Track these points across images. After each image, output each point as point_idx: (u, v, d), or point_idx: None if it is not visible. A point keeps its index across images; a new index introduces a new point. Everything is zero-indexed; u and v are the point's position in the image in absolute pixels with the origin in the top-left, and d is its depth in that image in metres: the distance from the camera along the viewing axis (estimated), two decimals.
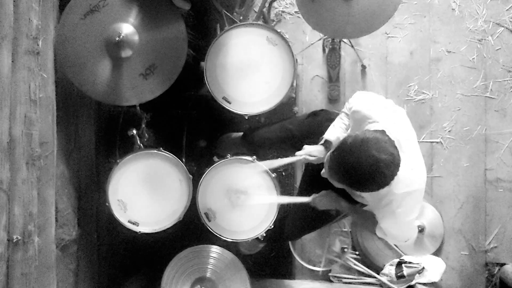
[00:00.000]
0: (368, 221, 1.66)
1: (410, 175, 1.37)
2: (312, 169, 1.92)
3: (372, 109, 1.44)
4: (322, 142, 1.69)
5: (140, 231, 1.94)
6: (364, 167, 1.20)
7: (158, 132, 2.20)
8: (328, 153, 1.31)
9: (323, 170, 1.43)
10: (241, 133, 2.27)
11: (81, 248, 2.05)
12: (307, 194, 1.81)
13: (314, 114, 1.91)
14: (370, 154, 1.20)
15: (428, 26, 2.59)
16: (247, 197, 1.92)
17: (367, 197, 1.58)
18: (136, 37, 1.79)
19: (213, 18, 2.28)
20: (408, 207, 1.43)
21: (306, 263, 2.55)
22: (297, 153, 1.71)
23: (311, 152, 1.67)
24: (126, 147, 2.08)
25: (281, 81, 1.93)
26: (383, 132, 1.29)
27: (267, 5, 2.55)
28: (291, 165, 1.74)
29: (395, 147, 1.25)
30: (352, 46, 2.45)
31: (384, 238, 1.61)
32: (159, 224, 1.95)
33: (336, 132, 1.67)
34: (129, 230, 1.95)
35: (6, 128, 1.53)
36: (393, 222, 1.48)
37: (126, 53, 1.79)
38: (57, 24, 1.84)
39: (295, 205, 2.06)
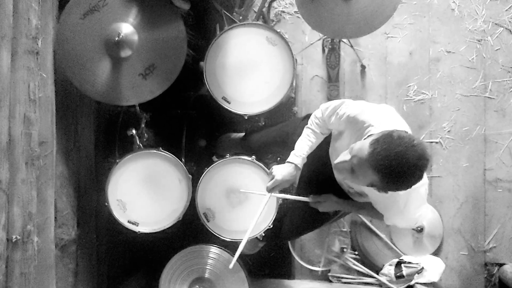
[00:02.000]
0: (376, 212, 1.65)
1: None
2: (311, 168, 1.92)
3: (365, 113, 1.45)
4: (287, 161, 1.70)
5: (139, 231, 1.94)
6: (410, 160, 1.20)
7: (157, 132, 2.20)
8: (367, 142, 1.28)
9: (338, 160, 1.41)
10: (240, 134, 2.26)
11: (80, 248, 2.05)
12: (305, 192, 1.81)
13: (308, 117, 1.91)
14: (416, 149, 1.21)
15: (427, 26, 2.59)
16: (246, 195, 1.92)
17: (374, 198, 1.58)
18: (135, 37, 1.79)
19: (212, 18, 2.29)
20: (414, 204, 1.45)
21: (306, 263, 2.55)
22: (268, 185, 1.69)
23: (281, 180, 1.66)
24: (126, 147, 2.08)
25: (280, 81, 1.94)
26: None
27: (266, 5, 2.55)
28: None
29: None
30: (352, 46, 2.46)
31: (393, 225, 1.63)
32: (159, 224, 1.95)
33: (301, 152, 1.68)
34: (128, 230, 1.95)
35: (6, 128, 1.53)
36: (401, 219, 1.53)
37: (126, 53, 1.79)
38: (57, 24, 1.84)
39: (293, 205, 2.06)
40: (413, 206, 1.46)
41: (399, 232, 2.51)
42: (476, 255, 2.52)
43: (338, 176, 1.70)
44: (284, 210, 2.06)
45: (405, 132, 1.27)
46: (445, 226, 2.53)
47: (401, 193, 1.36)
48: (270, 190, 1.69)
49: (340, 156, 1.40)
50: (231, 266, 1.66)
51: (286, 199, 1.81)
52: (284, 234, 2.08)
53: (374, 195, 1.53)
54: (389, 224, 1.65)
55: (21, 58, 1.61)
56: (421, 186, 1.42)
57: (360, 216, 2.53)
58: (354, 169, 1.33)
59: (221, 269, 2.01)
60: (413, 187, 1.37)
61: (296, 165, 1.67)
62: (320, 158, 1.73)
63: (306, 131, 1.70)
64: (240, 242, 1.70)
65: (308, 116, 1.91)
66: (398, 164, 1.20)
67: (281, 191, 1.77)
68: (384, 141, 1.24)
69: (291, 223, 2.03)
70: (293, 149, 1.71)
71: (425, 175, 1.43)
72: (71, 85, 1.88)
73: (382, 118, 1.43)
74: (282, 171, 1.67)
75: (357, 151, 1.29)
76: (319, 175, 1.80)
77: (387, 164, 1.21)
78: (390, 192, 1.31)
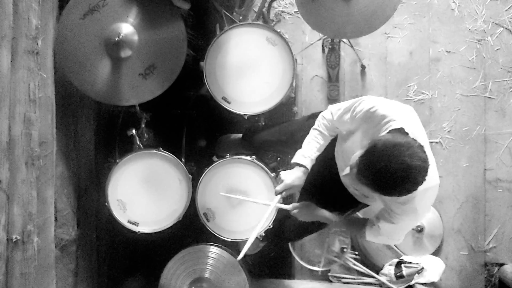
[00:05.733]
0: (354, 227, 1.63)
1: (429, 171, 1.36)
2: (315, 170, 1.92)
3: (386, 108, 1.42)
4: (295, 163, 1.66)
5: (139, 231, 1.94)
6: (396, 173, 1.17)
7: (157, 132, 2.20)
8: (357, 157, 1.27)
9: (344, 172, 1.41)
10: (240, 135, 2.26)
11: (80, 248, 2.05)
12: (308, 195, 1.80)
13: (314, 116, 1.91)
14: (402, 160, 1.17)
15: (427, 26, 2.59)
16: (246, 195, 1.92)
17: (384, 198, 1.54)
18: (135, 37, 1.79)
19: (212, 18, 2.29)
20: (428, 202, 1.43)
21: (306, 263, 2.55)
22: (277, 189, 1.65)
23: (290, 184, 1.62)
24: (126, 147, 2.08)
25: (280, 81, 1.94)
26: (407, 135, 1.28)
27: (266, 5, 2.55)
28: (291, 166, 1.73)
29: (425, 152, 1.22)
30: (352, 46, 2.46)
31: (374, 241, 1.60)
32: (159, 224, 1.95)
33: (310, 154, 1.65)
34: (128, 230, 1.95)
35: (6, 128, 1.53)
36: (413, 218, 1.47)
37: (126, 53, 1.79)
38: (57, 24, 1.84)
39: None
40: (426, 205, 1.43)
41: None
42: (476, 255, 2.52)
43: (344, 179, 1.69)
44: (285, 212, 2.06)
45: (393, 137, 1.22)
46: (445, 226, 2.53)
47: (420, 189, 1.31)
48: (279, 193, 1.66)
49: (346, 169, 1.39)
50: (239, 258, 1.64)
51: (284, 203, 1.77)
52: (286, 235, 2.07)
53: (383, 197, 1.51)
54: (370, 240, 1.61)
55: (21, 58, 1.61)
56: (435, 187, 1.41)
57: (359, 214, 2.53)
58: (350, 169, 1.33)
59: (221, 269, 2.01)
60: (429, 186, 1.34)
61: (305, 168, 1.64)
62: (325, 160, 1.71)
63: (313, 133, 1.68)
64: (242, 242, 1.69)
65: (313, 116, 1.90)
66: (384, 180, 1.19)
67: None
68: (366, 158, 1.23)
69: (293, 224, 2.02)
70: (297, 149, 1.68)
71: (436, 175, 1.41)
72: (71, 85, 1.88)
73: (404, 114, 1.40)
74: (291, 175, 1.64)
75: (352, 166, 1.29)
76: (324, 177, 1.79)
77: (374, 182, 1.22)
78: None
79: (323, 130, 1.66)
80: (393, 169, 1.17)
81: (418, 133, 1.37)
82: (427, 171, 1.21)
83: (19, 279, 1.58)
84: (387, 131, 1.36)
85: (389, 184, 1.20)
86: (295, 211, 1.66)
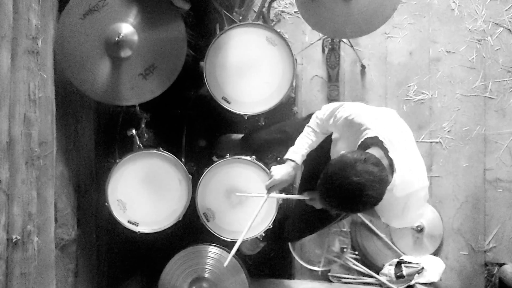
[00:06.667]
0: (373, 211, 1.65)
1: (409, 176, 1.37)
2: (313, 168, 1.92)
3: (362, 116, 1.45)
4: (286, 158, 1.69)
5: (139, 231, 1.94)
6: (347, 194, 1.23)
7: (157, 132, 2.20)
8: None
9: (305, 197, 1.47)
10: (241, 135, 2.26)
11: (80, 248, 2.05)
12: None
13: (310, 116, 1.91)
14: (350, 181, 1.22)
15: (427, 26, 2.59)
16: (244, 193, 1.92)
17: None
18: (135, 37, 1.79)
19: (212, 18, 2.29)
20: (413, 207, 1.44)
21: (306, 263, 2.55)
22: (266, 185, 1.68)
23: (279, 180, 1.65)
24: (126, 147, 2.08)
25: (280, 81, 1.94)
26: (362, 151, 1.33)
27: (266, 5, 2.55)
28: (283, 161, 1.74)
29: (376, 164, 1.26)
30: (352, 46, 2.46)
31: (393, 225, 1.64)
32: (159, 224, 1.95)
33: (301, 150, 1.67)
34: (128, 230, 1.95)
35: (6, 128, 1.53)
36: (402, 222, 1.52)
37: (126, 53, 1.79)
38: (57, 24, 1.84)
39: (295, 207, 2.06)
40: (412, 209, 1.44)
41: (399, 232, 2.51)
42: (476, 255, 2.52)
43: None
44: (285, 211, 2.06)
45: (340, 159, 1.28)
46: (445, 226, 2.53)
47: (398, 195, 1.36)
48: (268, 189, 1.69)
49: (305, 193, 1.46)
50: (225, 264, 1.67)
51: (287, 199, 1.80)
52: (286, 235, 2.07)
53: None
54: (387, 223, 1.65)
55: (21, 58, 1.61)
56: (421, 190, 1.41)
57: (360, 215, 2.54)
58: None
59: (221, 269, 2.01)
60: (411, 191, 1.38)
61: (295, 163, 1.66)
62: (321, 158, 1.72)
63: (306, 130, 1.70)
64: (242, 242, 1.69)
65: (310, 116, 1.91)
66: (343, 203, 1.27)
67: (281, 191, 1.77)
68: (322, 186, 1.30)
69: (293, 225, 2.03)
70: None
71: (425, 178, 1.43)
72: (71, 85, 1.88)
73: (379, 122, 1.42)
74: (281, 170, 1.67)
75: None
76: (320, 174, 1.79)
77: (337, 207, 1.30)
78: (385, 196, 1.31)
79: (315, 128, 1.68)
80: (344, 192, 1.23)
81: (394, 137, 1.39)
82: (382, 181, 1.25)
83: (19, 279, 1.58)
84: (363, 139, 1.40)
85: (347, 205, 1.27)
86: (313, 199, 1.68)
